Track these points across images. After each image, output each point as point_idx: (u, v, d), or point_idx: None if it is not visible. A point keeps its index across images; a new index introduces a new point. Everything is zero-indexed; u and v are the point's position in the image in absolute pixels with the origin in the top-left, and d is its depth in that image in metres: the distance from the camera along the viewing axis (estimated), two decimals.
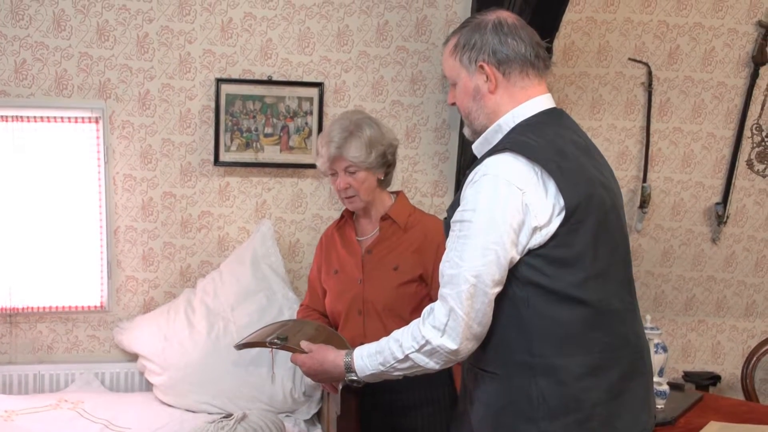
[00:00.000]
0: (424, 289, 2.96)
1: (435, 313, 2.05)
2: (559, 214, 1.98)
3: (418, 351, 2.08)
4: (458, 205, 2.09)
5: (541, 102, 2.14)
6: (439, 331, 2.03)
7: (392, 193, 3.11)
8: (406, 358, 2.11)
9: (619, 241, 2.12)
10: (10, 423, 3.40)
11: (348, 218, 3.11)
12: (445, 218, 2.19)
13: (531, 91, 2.13)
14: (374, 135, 2.93)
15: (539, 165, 1.98)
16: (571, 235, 1.99)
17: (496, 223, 1.97)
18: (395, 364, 2.14)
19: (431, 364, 2.09)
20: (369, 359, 2.20)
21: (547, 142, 2.03)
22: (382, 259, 2.98)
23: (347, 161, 2.90)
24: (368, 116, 3.02)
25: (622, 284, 2.12)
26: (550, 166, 1.98)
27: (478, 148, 2.19)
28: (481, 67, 2.11)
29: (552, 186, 1.98)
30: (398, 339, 2.13)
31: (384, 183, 3.03)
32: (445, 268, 2.06)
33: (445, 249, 2.95)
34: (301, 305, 3.29)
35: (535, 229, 1.99)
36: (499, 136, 2.12)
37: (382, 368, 2.17)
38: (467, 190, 2.05)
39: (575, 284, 2.00)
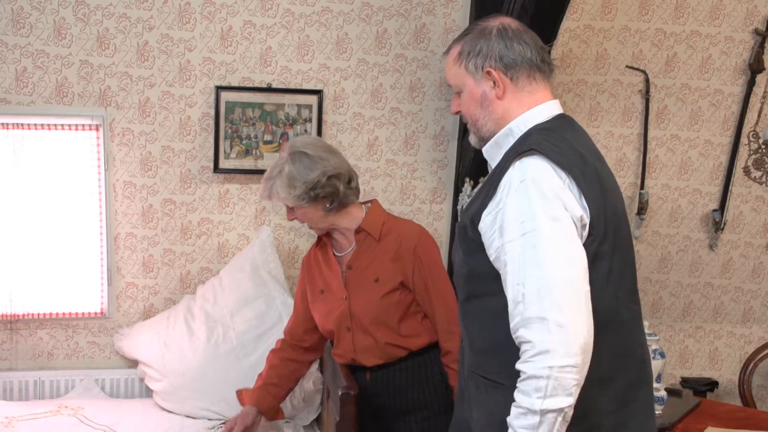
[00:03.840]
0: (408, 295, 2.95)
1: (533, 342, 1.87)
2: (585, 220, 1.95)
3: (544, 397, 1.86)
4: (483, 208, 2.02)
5: (552, 107, 2.12)
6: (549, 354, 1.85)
7: (365, 203, 3.08)
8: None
9: (628, 249, 2.10)
10: (11, 429, 3.42)
11: (325, 238, 3.10)
12: (459, 223, 2.15)
13: (538, 96, 2.11)
14: (295, 172, 2.88)
15: (565, 170, 1.94)
16: (593, 243, 1.96)
17: (560, 221, 1.90)
18: None
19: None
20: None
21: (569, 147, 2.00)
22: (363, 273, 2.98)
23: (278, 201, 2.95)
24: (299, 150, 2.93)
25: (630, 292, 2.09)
26: (574, 171, 1.95)
27: (489, 151, 2.15)
28: (489, 72, 2.08)
29: (576, 191, 1.94)
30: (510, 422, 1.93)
31: (333, 209, 2.95)
32: (526, 287, 1.89)
33: (423, 251, 2.94)
34: (285, 332, 3.28)
35: (582, 221, 1.94)
36: (511, 140, 2.08)
37: None
38: (510, 201, 1.95)
39: (590, 293, 1.93)
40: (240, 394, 3.28)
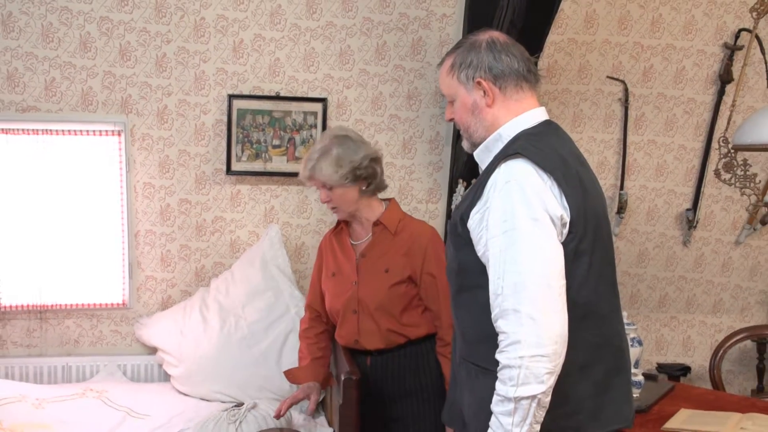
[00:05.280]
0: (413, 289, 3.06)
1: (507, 333, 1.94)
2: (565, 219, 2.00)
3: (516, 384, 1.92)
4: (472, 206, 2.07)
5: (538, 114, 2.16)
6: (524, 344, 1.90)
7: (385, 200, 3.18)
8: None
9: (608, 247, 2.15)
10: (41, 410, 3.55)
11: (343, 225, 3.20)
12: (450, 221, 2.19)
13: (525, 104, 2.15)
14: (343, 153, 3.01)
15: (547, 172, 1.99)
16: (573, 241, 2.01)
17: (539, 221, 1.95)
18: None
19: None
20: None
21: (552, 151, 2.04)
22: (375, 263, 3.07)
23: (320, 180, 3.04)
24: (342, 134, 3.09)
25: (610, 287, 2.14)
26: (556, 174, 1.99)
27: (479, 155, 2.19)
28: (479, 83, 2.12)
29: (558, 192, 1.99)
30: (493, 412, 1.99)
31: (368, 192, 3.10)
32: (504, 281, 1.96)
33: (433, 251, 3.03)
34: (306, 306, 3.38)
35: (562, 220, 1.99)
36: (500, 145, 2.12)
37: None
38: (495, 200, 2.01)
39: (570, 287, 1.99)
40: (291, 373, 3.30)
